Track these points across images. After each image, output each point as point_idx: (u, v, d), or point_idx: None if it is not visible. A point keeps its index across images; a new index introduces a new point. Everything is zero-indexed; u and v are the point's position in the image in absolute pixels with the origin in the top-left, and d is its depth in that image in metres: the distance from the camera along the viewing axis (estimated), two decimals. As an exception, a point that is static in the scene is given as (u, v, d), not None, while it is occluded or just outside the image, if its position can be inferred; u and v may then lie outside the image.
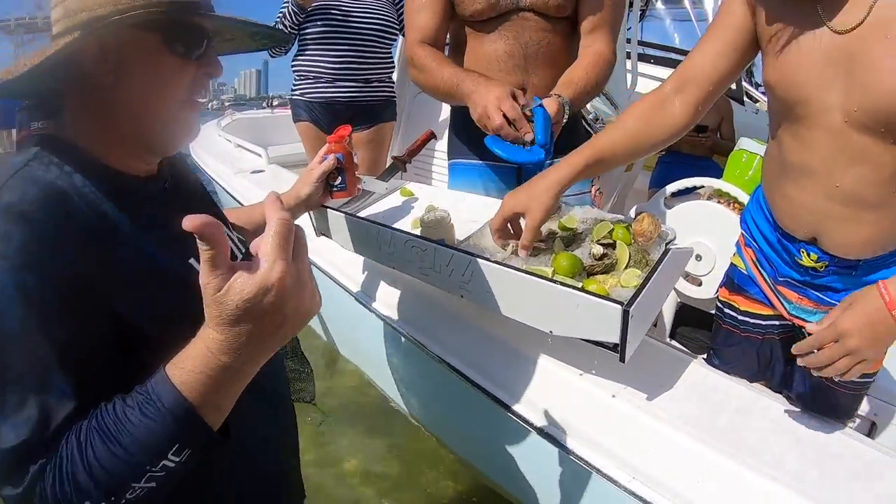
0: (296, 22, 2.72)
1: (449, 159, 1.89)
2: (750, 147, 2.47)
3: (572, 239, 1.21)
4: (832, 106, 1.01)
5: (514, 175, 1.77)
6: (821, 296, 1.24)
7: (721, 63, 1.18)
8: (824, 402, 1.27)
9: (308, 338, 2.52)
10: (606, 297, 0.95)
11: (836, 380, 1.19)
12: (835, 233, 1.13)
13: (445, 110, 2.68)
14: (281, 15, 2.74)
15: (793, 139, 1.12)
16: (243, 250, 0.98)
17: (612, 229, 1.16)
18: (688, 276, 2.00)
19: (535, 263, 1.13)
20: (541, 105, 1.33)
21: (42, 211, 0.66)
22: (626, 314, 0.91)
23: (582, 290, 0.98)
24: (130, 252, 0.73)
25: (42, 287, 0.62)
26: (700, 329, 2.32)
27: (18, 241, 0.63)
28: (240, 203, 2.72)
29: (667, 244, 1.14)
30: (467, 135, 1.80)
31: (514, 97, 1.36)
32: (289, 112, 3.12)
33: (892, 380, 1.72)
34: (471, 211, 1.48)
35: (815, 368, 0.97)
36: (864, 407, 1.72)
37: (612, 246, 1.13)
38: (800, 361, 0.98)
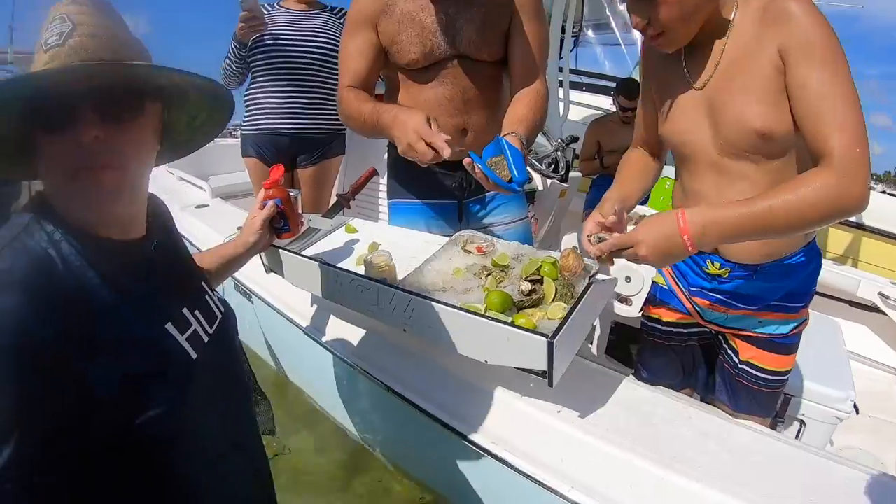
0: (239, 56, 2.73)
1: (389, 199, 1.97)
2: (673, 174, 2.66)
3: (505, 275, 1.32)
4: (707, 143, 1.26)
5: (454, 212, 1.87)
6: (729, 301, 1.42)
7: (651, 122, 1.46)
8: (745, 400, 1.46)
9: (257, 368, 2.56)
10: (533, 331, 1.05)
11: (750, 379, 1.43)
12: (736, 246, 1.34)
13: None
14: (227, 56, 2.76)
15: (687, 171, 1.36)
16: (222, 310, 1.02)
17: (540, 266, 1.28)
18: (619, 297, 2.14)
19: (470, 300, 1.23)
20: (506, 140, 1.39)
21: (26, 281, 0.69)
22: (550, 345, 1.01)
23: (511, 324, 1.08)
24: (107, 320, 0.76)
25: (19, 350, 0.65)
26: (633, 344, 2.45)
27: (1, 308, 0.66)
28: (185, 237, 2.73)
29: (590, 278, 1.26)
30: (405, 175, 1.89)
31: (429, 123, 1.41)
32: (230, 140, 3.12)
33: (819, 380, 1.87)
34: (411, 248, 1.57)
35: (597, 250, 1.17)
36: (793, 408, 1.89)
37: (541, 281, 1.24)
38: (586, 245, 1.19)
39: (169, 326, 0.85)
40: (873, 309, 3.38)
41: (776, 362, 1.43)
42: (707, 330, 1.52)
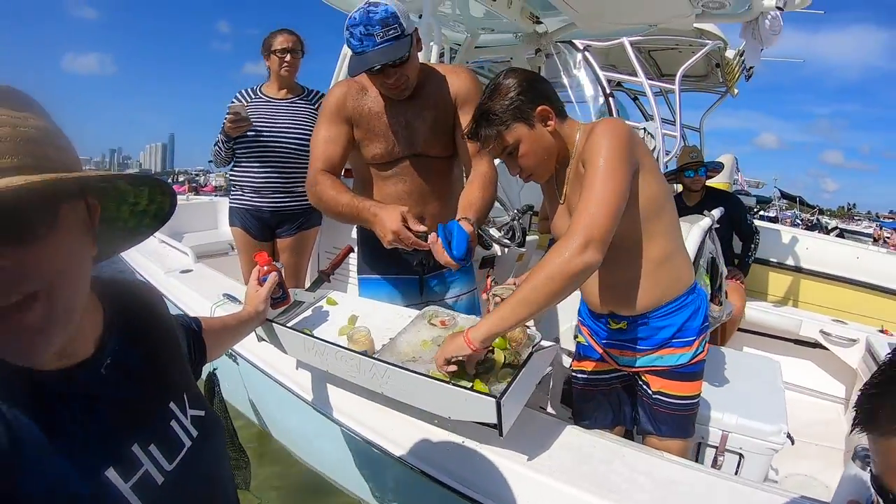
0: (229, 148, 3.02)
1: (358, 275, 2.21)
2: None
3: None
4: None
5: (416, 286, 2.14)
6: (632, 346, 1.74)
7: None
8: (665, 425, 1.74)
9: (240, 426, 2.68)
10: (485, 393, 1.30)
11: (664, 405, 1.72)
12: (619, 304, 1.71)
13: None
14: (216, 143, 3.05)
15: None
16: (194, 434, 0.85)
17: None
18: (570, 354, 2.38)
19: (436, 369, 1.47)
20: (455, 223, 1.68)
21: None
22: (499, 404, 1.26)
23: (468, 388, 1.33)
24: (32, 470, 0.62)
25: None
26: None
27: None
28: (172, 302, 2.85)
29: (534, 346, 1.52)
30: (372, 254, 2.15)
31: (405, 219, 1.68)
32: (203, 198, 3.33)
33: (753, 416, 2.09)
34: (385, 319, 1.80)
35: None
36: (732, 442, 2.09)
37: (492, 351, 1.50)
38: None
39: (110, 473, 0.69)
40: (816, 345, 3.63)
41: (682, 388, 1.72)
42: (624, 373, 1.83)
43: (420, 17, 2.74)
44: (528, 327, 1.59)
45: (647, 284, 1.64)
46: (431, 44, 2.72)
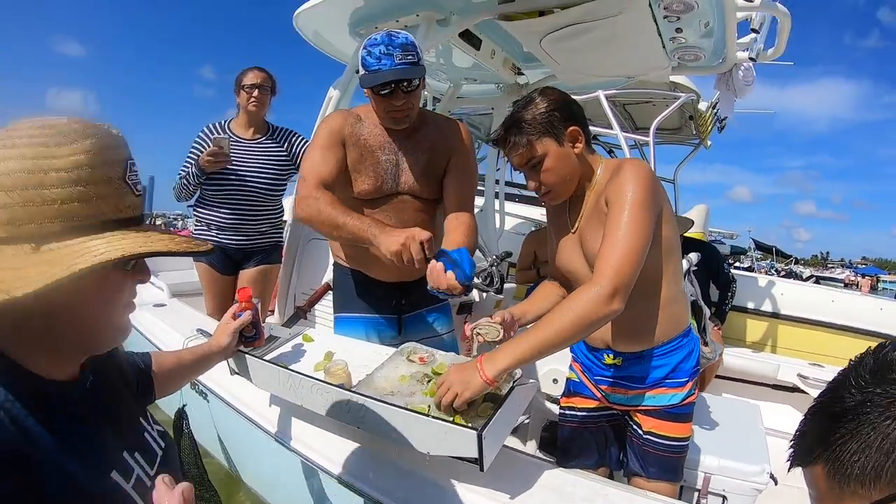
0: (197, 182, 3.00)
1: (335, 313, 2.21)
2: None
3: None
4: (583, 272, 1.64)
5: (395, 325, 2.14)
6: (625, 383, 1.74)
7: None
8: (654, 466, 1.73)
9: (209, 464, 2.61)
10: (466, 425, 1.28)
11: (654, 446, 1.71)
12: (616, 340, 1.71)
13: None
14: (185, 172, 3.00)
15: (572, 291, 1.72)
16: (162, 445, 0.98)
17: None
18: (549, 398, 2.37)
19: (414, 402, 1.45)
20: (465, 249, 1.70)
21: None
22: (480, 436, 1.23)
23: (449, 421, 1.30)
24: (52, 472, 0.71)
25: None
26: None
27: None
28: (143, 335, 2.81)
29: (514, 382, 1.50)
30: (349, 292, 2.15)
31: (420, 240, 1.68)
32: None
33: (736, 458, 2.07)
34: (362, 357, 1.78)
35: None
36: (715, 484, 2.05)
37: None
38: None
39: (115, 475, 0.81)
40: (795, 389, 3.67)
41: (674, 429, 1.71)
42: (614, 411, 1.82)
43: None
44: None
45: (650, 323, 1.66)
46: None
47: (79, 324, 0.77)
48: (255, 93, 3.10)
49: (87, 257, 0.70)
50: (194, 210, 3.22)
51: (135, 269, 0.81)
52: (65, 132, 0.73)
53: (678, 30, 2.72)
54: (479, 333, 1.64)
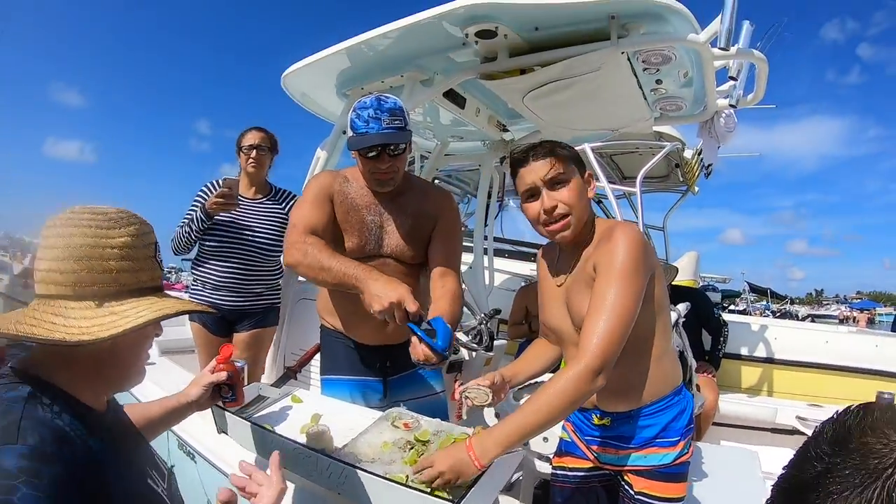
0: (201, 229, 2.93)
1: (321, 375, 2.20)
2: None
3: (425, 448, 1.53)
4: (569, 329, 1.64)
5: (381, 388, 2.12)
6: (615, 443, 1.71)
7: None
8: None
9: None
10: (443, 497, 1.26)
11: None
12: (605, 400, 1.69)
13: None
14: (188, 218, 2.95)
15: (566, 350, 1.75)
16: (168, 465, 1.23)
17: (454, 441, 1.50)
18: (540, 457, 2.34)
19: (393, 470, 1.43)
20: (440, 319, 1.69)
21: (58, 452, 0.86)
22: (455, 507, 1.22)
23: (425, 491, 1.29)
24: (112, 479, 0.94)
25: None
26: None
27: (48, 477, 0.82)
28: (131, 394, 2.78)
29: None
30: (336, 355, 2.14)
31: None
32: (173, 294, 3.29)
33: None
34: (348, 420, 1.76)
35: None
36: None
37: None
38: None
39: (150, 482, 1.08)
40: (794, 432, 3.64)
41: (666, 489, 1.67)
42: (605, 471, 1.78)
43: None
44: None
45: (639, 382, 1.65)
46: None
47: (118, 364, 1.04)
48: (254, 154, 3.11)
49: (146, 312, 0.97)
50: (192, 272, 3.19)
51: (155, 325, 1.03)
52: (115, 219, 1.00)
53: (658, 81, 2.78)
54: (468, 397, 1.62)
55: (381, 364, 2.13)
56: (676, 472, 1.68)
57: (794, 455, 0.69)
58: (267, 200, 3.18)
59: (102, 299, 0.96)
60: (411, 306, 1.65)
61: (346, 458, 1.47)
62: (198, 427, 1.88)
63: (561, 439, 1.91)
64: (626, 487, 1.72)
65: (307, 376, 2.84)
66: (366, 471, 1.36)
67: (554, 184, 1.58)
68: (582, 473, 1.82)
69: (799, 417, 3.62)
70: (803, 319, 17.03)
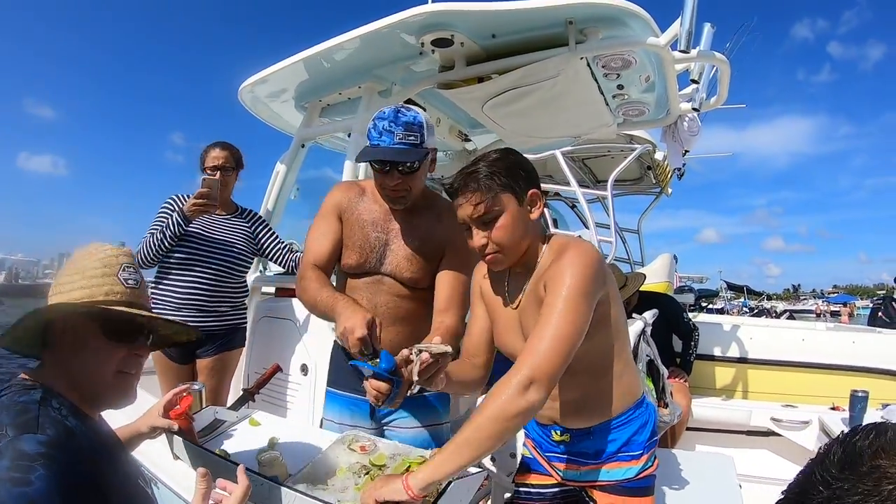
0: (176, 234, 2.72)
1: (327, 386, 2.14)
2: None
3: (381, 472, 1.47)
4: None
5: (367, 409, 2.00)
6: (577, 459, 1.67)
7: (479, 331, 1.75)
8: None
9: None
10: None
11: None
12: (564, 416, 1.64)
13: (290, 334, 2.86)
14: (159, 226, 2.74)
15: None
16: (148, 471, 1.37)
17: (409, 465, 1.45)
18: (510, 474, 2.29)
19: (346, 497, 1.37)
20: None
21: (68, 444, 1.00)
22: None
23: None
24: (110, 472, 1.09)
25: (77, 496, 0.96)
26: None
27: (60, 463, 0.95)
28: None
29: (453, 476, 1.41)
30: (337, 366, 2.10)
31: (370, 326, 1.53)
32: None
33: None
34: (305, 443, 1.71)
35: None
36: None
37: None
38: None
39: (140, 482, 1.21)
40: (770, 433, 3.62)
41: None
42: (569, 488, 1.73)
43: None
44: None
45: (598, 400, 1.60)
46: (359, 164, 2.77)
47: (80, 380, 1.12)
48: (218, 175, 2.90)
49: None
50: (152, 293, 2.87)
51: (122, 338, 1.15)
52: (114, 255, 1.19)
53: (620, 86, 2.78)
54: (421, 350, 1.41)
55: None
56: (642, 486, 1.64)
57: (797, 478, 0.63)
58: (232, 218, 3.02)
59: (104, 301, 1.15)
60: (357, 332, 1.52)
61: (298, 484, 1.41)
62: (157, 451, 1.80)
63: (523, 456, 1.86)
64: (590, 503, 1.68)
65: (270, 397, 2.78)
66: (317, 499, 1.30)
67: (482, 222, 1.50)
68: (545, 490, 1.76)
69: (773, 419, 3.59)
70: (780, 315, 17.18)
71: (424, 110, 2.96)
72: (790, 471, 3.57)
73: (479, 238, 1.51)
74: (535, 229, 1.57)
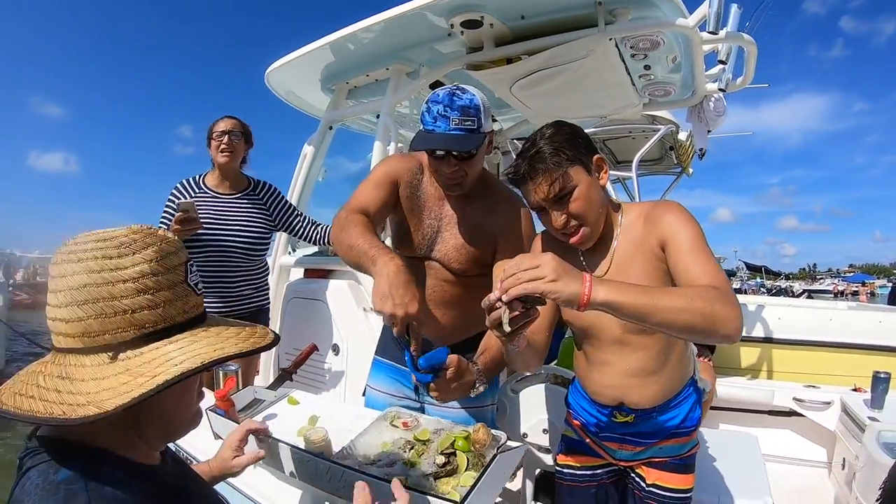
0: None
1: (374, 355, 2.14)
2: None
3: (425, 448, 1.51)
4: (612, 324, 1.54)
5: (412, 380, 1.91)
6: (634, 439, 1.67)
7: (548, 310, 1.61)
8: None
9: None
10: (445, 497, 1.24)
11: (658, 499, 1.64)
12: (633, 396, 1.62)
13: (320, 314, 2.87)
14: (167, 225, 2.69)
15: (591, 346, 1.65)
16: None
17: (454, 440, 1.48)
18: (540, 448, 2.33)
19: (394, 471, 1.41)
20: (446, 351, 1.52)
21: None
22: (460, 507, 1.20)
23: (428, 492, 1.27)
24: None
25: None
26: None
27: None
28: None
29: (499, 448, 1.45)
30: (387, 334, 2.09)
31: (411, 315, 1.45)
32: None
33: (738, 493, 2.06)
34: (346, 421, 1.73)
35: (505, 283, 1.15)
36: None
37: (455, 454, 1.44)
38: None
39: None
40: (792, 413, 3.64)
41: (679, 481, 1.65)
42: (614, 467, 1.75)
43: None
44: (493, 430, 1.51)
45: (667, 375, 1.60)
46: (390, 144, 2.79)
47: (159, 421, 0.87)
48: (225, 139, 2.78)
49: (167, 367, 0.77)
50: None
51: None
52: (126, 243, 0.80)
53: (647, 67, 2.76)
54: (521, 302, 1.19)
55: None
56: (689, 463, 1.67)
57: (891, 471, 0.65)
58: (244, 196, 2.90)
59: (118, 349, 0.78)
60: (416, 316, 1.45)
61: (346, 460, 1.45)
62: (196, 436, 1.83)
63: (565, 436, 1.86)
64: (638, 481, 1.70)
65: (301, 377, 2.81)
66: (366, 473, 1.34)
67: (557, 201, 1.47)
68: (590, 471, 1.78)
69: (796, 399, 3.61)
70: (799, 296, 17.02)
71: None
72: (811, 451, 3.63)
73: (559, 217, 1.48)
74: (605, 196, 1.55)
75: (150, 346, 0.80)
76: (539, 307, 1.20)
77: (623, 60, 2.61)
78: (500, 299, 1.15)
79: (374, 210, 1.80)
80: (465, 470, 1.41)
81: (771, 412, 3.76)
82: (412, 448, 1.51)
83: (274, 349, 3.05)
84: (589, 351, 1.68)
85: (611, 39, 2.37)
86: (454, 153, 1.69)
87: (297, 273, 3.25)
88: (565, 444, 1.84)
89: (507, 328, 1.16)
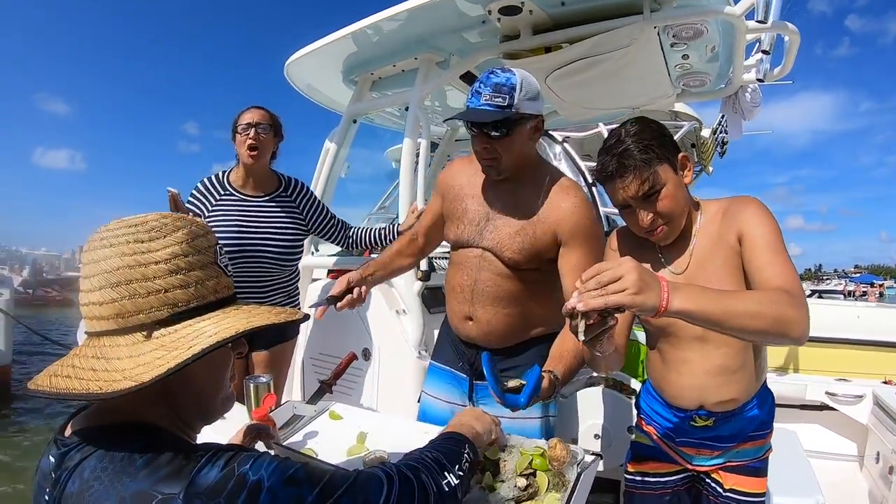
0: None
1: (431, 360, 2.10)
2: (638, 338, 2.70)
3: (497, 469, 1.38)
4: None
5: (465, 387, 1.94)
6: (713, 444, 1.60)
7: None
8: None
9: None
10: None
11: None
12: (715, 397, 1.53)
13: (348, 318, 2.69)
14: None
15: (670, 344, 1.58)
16: None
17: (532, 459, 1.36)
18: (587, 452, 2.25)
19: (473, 499, 1.29)
20: (539, 372, 1.41)
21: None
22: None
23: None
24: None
25: None
26: (605, 493, 2.61)
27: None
28: None
29: (579, 464, 1.35)
30: (441, 338, 2.06)
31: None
32: None
33: (790, 492, 2.03)
34: (399, 436, 1.60)
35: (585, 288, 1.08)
36: None
37: (534, 474, 1.33)
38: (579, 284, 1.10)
39: None
40: (824, 407, 3.61)
41: (755, 485, 1.59)
42: (689, 473, 1.68)
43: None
44: (569, 444, 1.40)
45: (748, 372, 1.53)
46: (420, 138, 2.67)
47: (194, 398, 0.88)
48: (252, 133, 2.47)
49: (203, 338, 0.80)
50: None
51: (234, 344, 0.88)
52: (156, 227, 0.83)
53: (684, 56, 2.68)
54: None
55: (463, 362, 1.95)
56: (764, 467, 1.62)
57: None
58: (274, 200, 2.62)
59: (152, 328, 0.80)
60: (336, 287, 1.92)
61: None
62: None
63: (637, 443, 1.77)
64: (714, 486, 1.63)
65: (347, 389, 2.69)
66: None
67: (646, 198, 1.43)
68: (664, 478, 1.71)
69: (828, 392, 3.58)
70: (809, 296, 17.08)
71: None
72: (843, 444, 3.57)
73: (645, 216, 1.45)
74: (687, 193, 1.52)
75: (184, 323, 0.82)
76: (617, 314, 1.14)
77: (662, 49, 2.51)
78: (576, 308, 1.09)
79: (423, 227, 2.08)
80: (547, 491, 1.29)
81: (802, 406, 3.72)
82: (485, 471, 1.39)
83: (301, 358, 2.94)
84: (666, 350, 1.60)
85: (655, 27, 2.27)
86: (485, 130, 1.69)
87: (320, 273, 3.14)
88: (637, 451, 1.76)
89: (582, 337, 1.12)
